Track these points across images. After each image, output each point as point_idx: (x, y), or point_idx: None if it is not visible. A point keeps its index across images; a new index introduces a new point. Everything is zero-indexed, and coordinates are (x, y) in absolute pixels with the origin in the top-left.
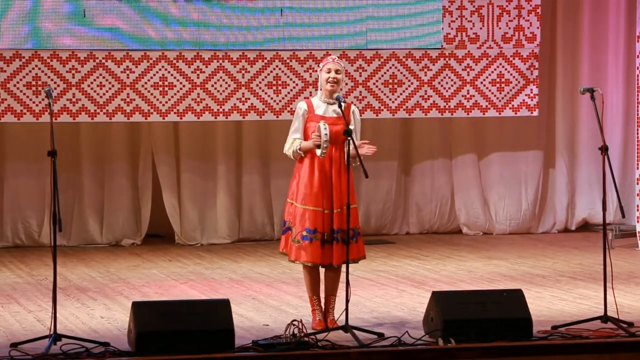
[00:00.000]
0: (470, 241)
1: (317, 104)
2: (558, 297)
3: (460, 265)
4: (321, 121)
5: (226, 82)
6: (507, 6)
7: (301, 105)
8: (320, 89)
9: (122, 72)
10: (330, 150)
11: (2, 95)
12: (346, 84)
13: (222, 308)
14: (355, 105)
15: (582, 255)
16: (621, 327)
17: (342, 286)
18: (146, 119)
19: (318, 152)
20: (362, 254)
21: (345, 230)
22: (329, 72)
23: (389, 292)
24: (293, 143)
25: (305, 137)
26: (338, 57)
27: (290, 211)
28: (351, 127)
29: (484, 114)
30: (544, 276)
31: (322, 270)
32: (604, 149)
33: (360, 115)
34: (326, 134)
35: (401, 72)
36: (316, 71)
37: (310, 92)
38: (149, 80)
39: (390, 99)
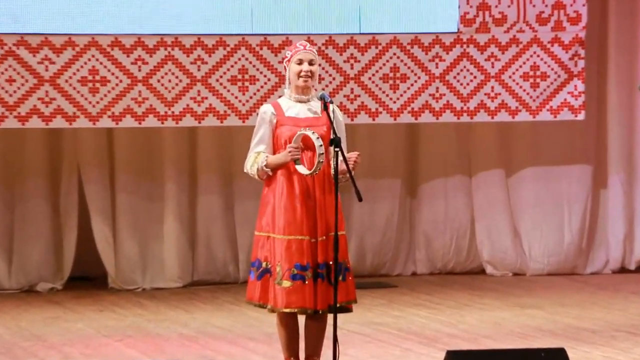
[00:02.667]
0: (496, 284)
1: (288, 104)
2: (612, 359)
3: (484, 316)
4: (306, 129)
5: (176, 77)
6: None
7: (266, 109)
8: (289, 86)
9: (39, 62)
10: (311, 160)
11: None
12: (333, 78)
13: None
14: (338, 104)
15: None
16: None
17: (328, 343)
18: (71, 124)
19: (303, 170)
20: (353, 296)
21: (331, 264)
22: (300, 64)
23: (390, 352)
24: (257, 158)
25: (275, 150)
26: (322, 43)
27: (266, 247)
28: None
29: (513, 117)
30: (594, 331)
31: (301, 322)
32: None
33: (352, 120)
34: (321, 145)
35: (405, 64)
36: (284, 62)
37: None
38: (74, 73)
39: (391, 99)
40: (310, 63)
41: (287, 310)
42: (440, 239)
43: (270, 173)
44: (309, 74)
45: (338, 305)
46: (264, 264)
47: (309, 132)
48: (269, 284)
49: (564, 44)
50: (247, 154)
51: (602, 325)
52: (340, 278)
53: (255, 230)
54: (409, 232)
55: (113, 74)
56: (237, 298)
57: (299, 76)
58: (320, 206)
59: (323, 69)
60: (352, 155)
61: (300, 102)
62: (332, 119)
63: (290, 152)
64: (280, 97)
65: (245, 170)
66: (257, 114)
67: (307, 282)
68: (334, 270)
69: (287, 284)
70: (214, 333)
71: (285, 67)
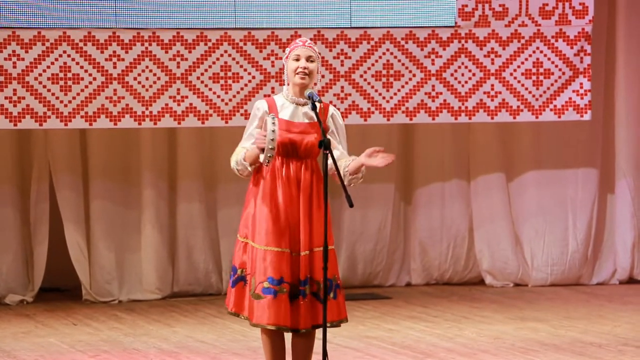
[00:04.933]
0: (496, 295)
1: (283, 103)
2: None
3: (483, 330)
4: (270, 114)
5: (154, 74)
6: None
7: (260, 105)
8: (287, 84)
9: (5, 59)
10: (298, 168)
11: None
12: (323, 76)
13: None
14: (334, 106)
15: None
16: None
17: (317, 358)
18: (41, 125)
19: (261, 157)
20: (344, 315)
21: (317, 281)
22: (297, 60)
23: None
24: (240, 153)
25: None
26: (311, 38)
27: (243, 254)
28: (329, 135)
29: (514, 118)
30: (601, 345)
31: (288, 337)
32: None
33: (343, 121)
34: (274, 131)
35: (399, 60)
36: (280, 58)
37: (273, 89)
38: (44, 70)
39: (384, 98)
40: (308, 60)
41: (260, 325)
42: (436, 248)
43: (249, 168)
44: (306, 71)
45: (329, 323)
46: (239, 271)
47: (268, 117)
48: (243, 292)
49: (569, 39)
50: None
51: (610, 339)
52: (331, 295)
53: (237, 233)
54: (403, 240)
55: (86, 71)
56: (221, 310)
57: (295, 73)
58: (305, 217)
59: None
60: (376, 151)
61: (297, 104)
62: (319, 118)
63: (257, 138)
64: (277, 94)
65: (231, 167)
66: (244, 112)
67: (278, 297)
68: (324, 287)
69: (259, 297)
70: (196, 348)
71: (283, 64)
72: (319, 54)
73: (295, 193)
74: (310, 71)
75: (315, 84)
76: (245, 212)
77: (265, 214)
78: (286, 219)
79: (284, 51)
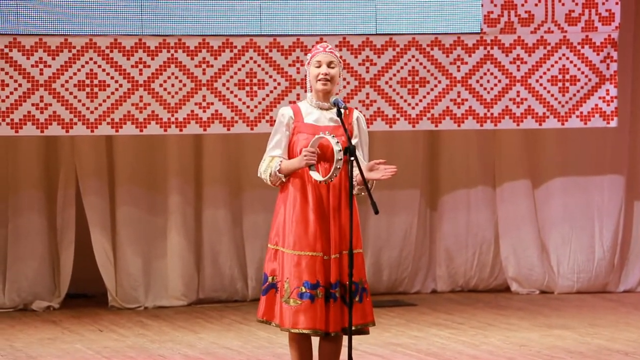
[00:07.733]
0: (522, 302)
1: (307, 109)
2: None
3: (509, 337)
4: (326, 133)
5: (180, 81)
6: None
7: (285, 112)
8: (310, 90)
9: (32, 65)
10: (327, 171)
11: None
12: (348, 82)
13: None
14: (359, 111)
15: None
16: None
17: None
18: (67, 131)
19: (317, 177)
20: (370, 318)
21: (346, 284)
22: (318, 66)
23: None
24: (271, 162)
25: (291, 155)
26: (336, 45)
27: (275, 261)
28: (354, 141)
29: (540, 124)
30: (628, 353)
31: (314, 343)
32: None
33: (368, 127)
34: (340, 151)
35: (424, 67)
36: (305, 65)
37: (298, 95)
38: (71, 77)
39: (409, 104)
40: (330, 65)
41: (294, 330)
42: (462, 255)
43: (284, 179)
44: (328, 77)
45: (354, 327)
46: (270, 279)
47: (328, 137)
48: (274, 300)
49: (595, 46)
50: (263, 157)
51: (636, 347)
52: (357, 299)
53: (268, 242)
54: (429, 247)
55: (112, 77)
56: (246, 317)
57: (317, 79)
58: (335, 221)
59: None
60: (378, 163)
61: (321, 108)
62: (345, 125)
63: (305, 156)
64: (302, 100)
65: (258, 175)
66: (269, 119)
67: (316, 302)
68: (349, 290)
69: (294, 302)
70: (221, 354)
71: (306, 70)
72: (341, 57)
73: (325, 196)
74: (332, 77)
75: (339, 91)
76: (276, 219)
77: (297, 219)
78: (318, 222)
79: (306, 56)
